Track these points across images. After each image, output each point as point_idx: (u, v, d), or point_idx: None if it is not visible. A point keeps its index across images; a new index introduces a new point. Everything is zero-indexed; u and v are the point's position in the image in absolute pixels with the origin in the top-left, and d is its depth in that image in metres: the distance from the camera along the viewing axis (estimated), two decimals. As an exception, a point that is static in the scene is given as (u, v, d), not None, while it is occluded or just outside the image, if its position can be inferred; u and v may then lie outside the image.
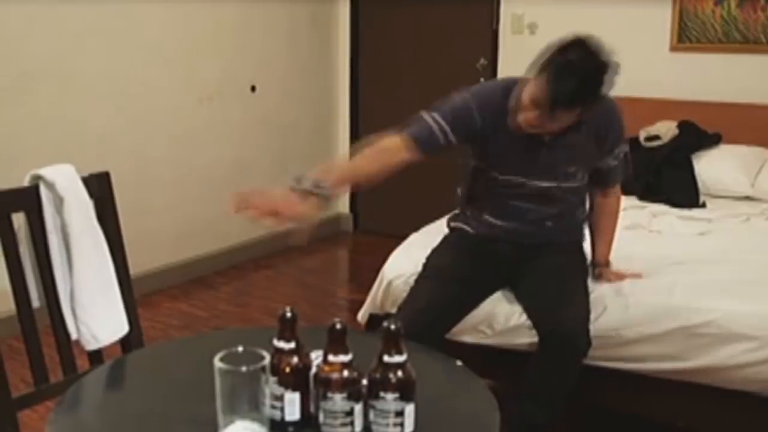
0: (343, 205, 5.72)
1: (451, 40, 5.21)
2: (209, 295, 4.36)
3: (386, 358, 1.34)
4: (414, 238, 3.19)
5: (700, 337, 2.50)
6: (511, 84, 2.50)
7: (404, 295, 2.77)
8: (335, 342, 1.35)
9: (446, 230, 2.87)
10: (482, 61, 5.08)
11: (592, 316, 2.53)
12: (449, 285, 2.61)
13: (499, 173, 2.55)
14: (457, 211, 2.83)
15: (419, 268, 2.78)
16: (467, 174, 2.69)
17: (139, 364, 1.83)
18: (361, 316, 3.06)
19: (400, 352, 1.34)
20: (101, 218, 2.09)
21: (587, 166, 2.59)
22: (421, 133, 2.42)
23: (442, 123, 2.43)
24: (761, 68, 4.30)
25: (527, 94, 2.35)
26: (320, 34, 5.37)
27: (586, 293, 2.59)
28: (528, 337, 2.62)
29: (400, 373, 1.34)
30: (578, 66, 2.24)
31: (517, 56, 4.94)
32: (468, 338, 2.73)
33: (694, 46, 4.41)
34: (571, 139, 2.48)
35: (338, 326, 1.35)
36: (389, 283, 2.89)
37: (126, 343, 2.11)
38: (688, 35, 4.45)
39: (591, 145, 2.54)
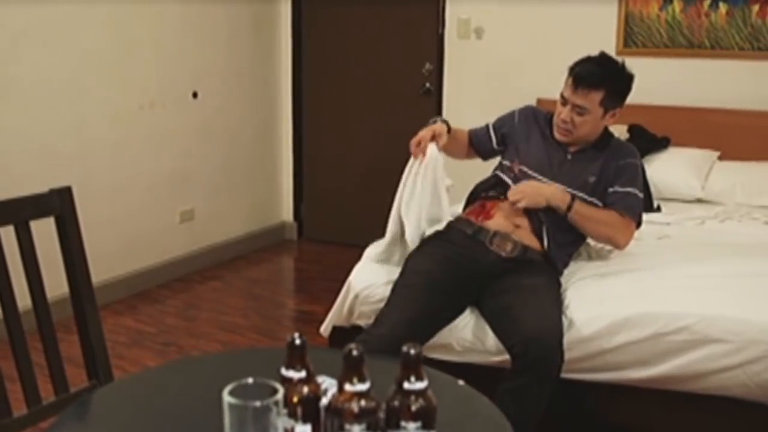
0: (287, 213, 5.60)
1: (396, 45, 5.13)
2: (155, 310, 4.18)
3: (407, 385, 1.25)
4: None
5: (675, 342, 2.49)
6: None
7: (372, 306, 2.72)
8: (351, 369, 1.25)
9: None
10: (428, 66, 5.02)
11: (565, 326, 2.51)
12: (429, 294, 2.57)
13: (528, 168, 2.80)
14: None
15: (386, 278, 2.72)
16: (493, 180, 2.92)
17: (120, 397, 1.68)
18: (324, 328, 2.96)
19: (420, 378, 1.26)
20: (63, 235, 1.98)
21: (602, 186, 2.76)
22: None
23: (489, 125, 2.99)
24: (706, 72, 4.36)
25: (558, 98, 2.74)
26: (262, 38, 5.24)
27: (558, 308, 2.57)
28: (497, 355, 2.57)
29: (421, 401, 1.26)
30: (595, 55, 2.70)
31: (464, 61, 4.94)
32: (436, 355, 2.65)
33: (640, 51, 4.44)
34: (591, 156, 2.79)
35: (355, 353, 1.25)
36: (356, 296, 2.81)
37: (91, 366, 1.98)
38: (634, 39, 4.48)
39: (606, 173, 2.77)
